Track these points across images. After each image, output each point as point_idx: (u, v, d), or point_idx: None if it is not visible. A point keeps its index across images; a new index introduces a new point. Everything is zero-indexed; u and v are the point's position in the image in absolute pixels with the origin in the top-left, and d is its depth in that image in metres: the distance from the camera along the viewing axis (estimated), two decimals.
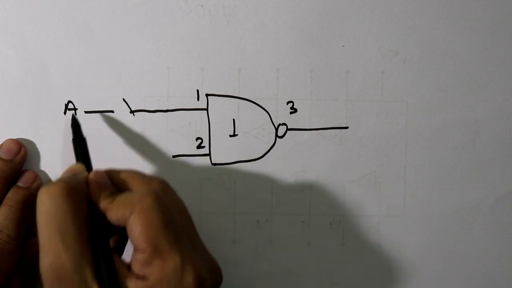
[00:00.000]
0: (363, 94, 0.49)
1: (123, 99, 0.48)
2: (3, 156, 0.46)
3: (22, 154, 0.47)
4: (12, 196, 0.46)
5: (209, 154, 0.48)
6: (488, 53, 0.49)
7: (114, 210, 0.38)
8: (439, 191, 0.49)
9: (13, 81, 0.48)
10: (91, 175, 0.40)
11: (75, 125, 0.45)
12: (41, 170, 0.48)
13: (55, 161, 0.48)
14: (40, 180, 0.47)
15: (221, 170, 0.48)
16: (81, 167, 0.42)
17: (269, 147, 0.49)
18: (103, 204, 0.39)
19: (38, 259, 0.47)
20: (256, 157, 0.49)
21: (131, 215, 0.37)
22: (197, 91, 0.48)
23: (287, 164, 0.49)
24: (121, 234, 0.42)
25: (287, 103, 0.49)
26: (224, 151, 0.48)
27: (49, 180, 0.48)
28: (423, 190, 0.49)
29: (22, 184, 0.46)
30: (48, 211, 0.37)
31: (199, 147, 0.48)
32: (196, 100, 0.48)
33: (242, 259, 0.48)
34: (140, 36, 0.48)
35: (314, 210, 0.49)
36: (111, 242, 0.42)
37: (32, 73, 0.48)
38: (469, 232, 0.49)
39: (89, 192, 0.39)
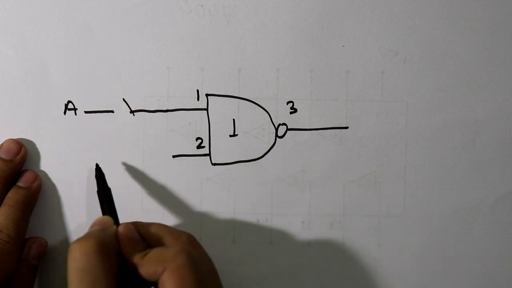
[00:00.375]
0: (363, 94, 0.49)
1: (123, 99, 0.48)
2: (3, 156, 0.46)
3: (22, 154, 0.47)
4: (12, 196, 0.46)
5: (209, 154, 0.48)
6: (488, 53, 0.49)
7: (146, 265, 0.39)
8: (439, 191, 0.49)
9: (13, 81, 0.48)
10: (121, 229, 0.41)
11: (100, 176, 0.45)
12: (41, 170, 0.48)
13: (55, 161, 0.48)
14: (40, 180, 0.47)
15: (221, 170, 0.48)
16: (109, 220, 0.42)
17: (269, 147, 0.49)
18: (135, 259, 0.39)
19: (38, 259, 0.48)
20: (256, 157, 0.49)
21: (164, 273, 0.38)
22: (197, 91, 0.48)
23: (287, 164, 0.49)
24: None
25: (287, 103, 0.49)
26: (224, 151, 0.48)
27: (49, 180, 0.48)
28: (423, 190, 0.49)
29: (22, 184, 0.46)
30: (81, 268, 0.37)
31: (199, 147, 0.48)
32: (196, 100, 0.48)
33: (242, 259, 0.48)
34: (140, 36, 0.48)
35: (314, 210, 0.49)
36: None
37: (32, 73, 0.48)
38: (469, 232, 0.49)
39: (119, 247, 0.40)
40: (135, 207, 0.48)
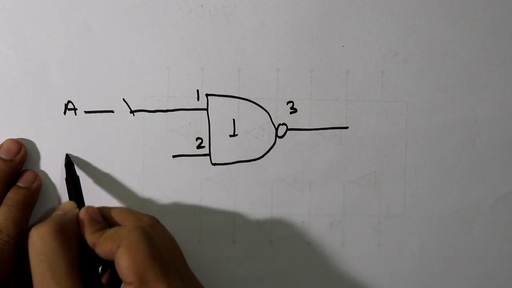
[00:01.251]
0: (363, 94, 0.49)
1: (123, 99, 0.48)
2: (3, 156, 0.46)
3: (22, 154, 0.47)
4: (12, 196, 0.46)
5: (209, 154, 0.48)
6: (488, 53, 0.49)
7: (103, 244, 0.39)
8: (439, 191, 0.49)
9: (13, 81, 0.48)
10: (82, 211, 0.41)
11: (69, 164, 0.47)
12: (41, 170, 0.48)
13: (55, 161, 0.48)
14: (40, 180, 0.47)
15: (221, 170, 0.48)
16: (72, 204, 0.43)
17: (269, 147, 0.49)
18: (92, 238, 0.40)
19: None
20: (256, 157, 0.49)
21: (118, 249, 0.38)
22: (197, 91, 0.48)
23: (287, 164, 0.49)
24: (114, 270, 0.43)
25: (287, 103, 0.49)
26: (224, 151, 0.48)
27: (49, 180, 0.48)
28: (423, 190, 0.49)
29: (22, 184, 0.46)
30: (39, 251, 0.38)
31: (199, 147, 0.48)
32: (196, 100, 0.48)
33: (242, 259, 0.48)
34: (140, 36, 0.48)
35: (314, 210, 0.49)
36: (105, 278, 0.42)
37: (32, 73, 0.48)
38: (469, 232, 0.49)
39: (80, 230, 0.41)
40: (135, 207, 0.48)
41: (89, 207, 0.42)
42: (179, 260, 0.41)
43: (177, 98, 0.48)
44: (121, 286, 0.39)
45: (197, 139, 0.48)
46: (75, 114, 0.48)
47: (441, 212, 0.49)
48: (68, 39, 0.48)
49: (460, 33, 0.49)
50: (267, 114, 0.49)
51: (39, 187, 0.47)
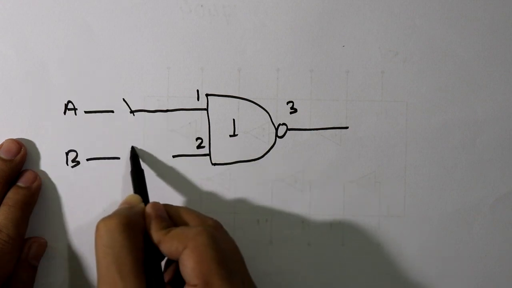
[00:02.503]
0: (363, 94, 0.49)
1: (123, 99, 0.48)
2: (3, 156, 0.46)
3: (22, 154, 0.47)
4: (12, 196, 0.46)
5: (209, 154, 0.48)
6: (488, 53, 0.49)
7: (168, 242, 0.39)
8: (439, 191, 0.49)
9: (13, 81, 0.48)
10: (148, 207, 0.41)
11: (134, 157, 0.46)
12: (41, 170, 0.48)
13: (55, 161, 0.48)
14: (40, 180, 0.47)
15: (221, 170, 0.48)
16: (137, 198, 0.43)
17: (269, 147, 0.49)
18: (157, 235, 0.40)
19: (38, 259, 0.48)
20: (256, 157, 0.49)
21: (184, 250, 0.38)
22: (197, 91, 0.48)
23: (287, 164, 0.49)
24: (176, 269, 0.43)
25: (287, 103, 0.49)
26: (224, 151, 0.48)
27: (49, 179, 0.48)
28: (423, 190, 0.49)
29: (22, 184, 0.46)
30: (105, 244, 0.38)
31: (199, 147, 0.48)
32: (196, 100, 0.48)
33: None
34: (140, 36, 0.48)
35: (314, 210, 0.49)
36: (168, 275, 0.42)
37: (32, 73, 0.48)
38: (469, 232, 0.49)
39: (144, 224, 0.41)
40: None
41: (155, 203, 0.42)
42: (241, 265, 0.41)
43: (177, 98, 0.48)
44: (184, 287, 0.38)
45: (197, 139, 0.48)
46: (75, 114, 0.48)
47: (441, 212, 0.49)
48: (68, 39, 0.48)
49: (460, 33, 0.49)
50: (267, 114, 0.49)
51: (39, 187, 0.47)
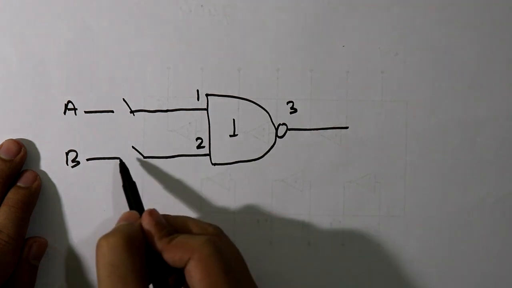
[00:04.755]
0: (363, 94, 0.49)
1: (123, 99, 0.48)
2: (3, 156, 0.46)
3: (22, 154, 0.47)
4: (12, 196, 0.46)
5: (209, 154, 0.48)
6: (488, 53, 0.49)
7: (171, 251, 0.39)
8: (439, 191, 0.49)
9: (13, 81, 0.48)
10: (145, 215, 0.41)
11: (124, 171, 0.46)
12: (41, 170, 0.48)
13: (55, 161, 0.48)
14: (40, 180, 0.47)
15: (221, 170, 0.48)
16: (135, 214, 0.43)
17: (269, 147, 0.49)
18: (160, 244, 0.40)
19: (39, 258, 0.48)
20: (256, 157, 0.49)
21: (190, 261, 0.38)
22: (197, 91, 0.48)
23: (287, 164, 0.49)
24: (180, 277, 0.43)
25: (287, 103, 0.49)
26: (224, 151, 0.48)
27: (49, 179, 0.48)
28: (423, 190, 0.49)
29: (22, 184, 0.46)
30: (109, 262, 0.38)
31: (199, 147, 0.48)
32: (196, 100, 0.48)
33: None
34: (140, 36, 0.48)
35: (314, 210, 0.49)
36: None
37: (32, 73, 0.48)
38: (469, 232, 0.49)
39: (145, 234, 0.40)
40: None
41: (151, 210, 0.41)
42: (246, 273, 0.41)
43: (177, 98, 0.48)
44: None
45: (197, 139, 0.48)
46: (75, 114, 0.48)
47: (441, 212, 0.49)
48: (68, 39, 0.48)
49: (460, 33, 0.49)
50: (267, 114, 0.49)
51: (39, 187, 0.47)
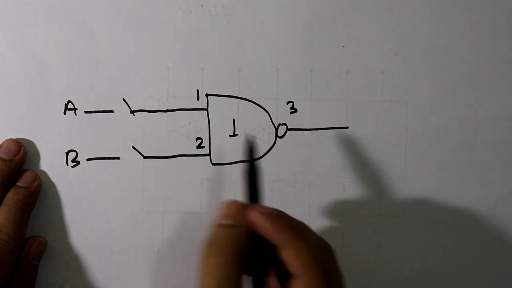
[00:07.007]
0: (363, 94, 0.49)
1: (123, 99, 0.48)
2: (3, 156, 0.46)
3: (22, 154, 0.47)
4: (12, 196, 0.46)
5: (209, 154, 0.48)
6: (488, 53, 0.49)
7: (289, 257, 0.39)
8: (439, 191, 0.49)
9: (13, 81, 0.48)
10: (256, 215, 0.40)
11: (251, 152, 0.42)
12: (41, 170, 0.48)
13: (55, 161, 0.48)
14: (40, 180, 0.47)
15: (221, 170, 0.48)
16: (239, 207, 0.41)
17: (269, 147, 0.49)
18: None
19: (39, 258, 0.48)
20: (256, 157, 0.49)
21: (298, 279, 0.38)
22: (197, 91, 0.48)
23: (287, 164, 0.49)
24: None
25: (287, 103, 0.49)
26: (224, 151, 0.48)
27: (49, 179, 0.48)
28: (423, 190, 0.49)
29: (22, 184, 0.46)
30: (218, 276, 0.38)
31: (199, 147, 0.48)
32: (196, 100, 0.48)
33: None
34: (140, 36, 0.48)
35: (314, 210, 0.49)
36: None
37: (32, 73, 0.48)
38: (469, 232, 0.49)
39: (267, 226, 0.39)
40: (135, 207, 0.48)
41: (260, 206, 0.41)
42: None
43: (177, 98, 0.48)
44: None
45: (197, 139, 0.48)
46: (75, 114, 0.48)
47: (441, 212, 0.49)
48: (68, 39, 0.48)
49: (460, 33, 0.49)
50: (267, 114, 0.49)
51: (39, 187, 0.47)
